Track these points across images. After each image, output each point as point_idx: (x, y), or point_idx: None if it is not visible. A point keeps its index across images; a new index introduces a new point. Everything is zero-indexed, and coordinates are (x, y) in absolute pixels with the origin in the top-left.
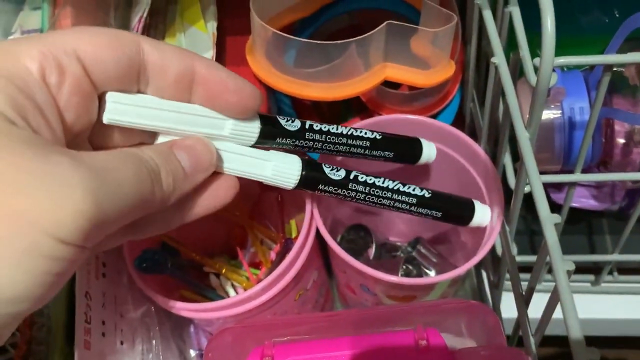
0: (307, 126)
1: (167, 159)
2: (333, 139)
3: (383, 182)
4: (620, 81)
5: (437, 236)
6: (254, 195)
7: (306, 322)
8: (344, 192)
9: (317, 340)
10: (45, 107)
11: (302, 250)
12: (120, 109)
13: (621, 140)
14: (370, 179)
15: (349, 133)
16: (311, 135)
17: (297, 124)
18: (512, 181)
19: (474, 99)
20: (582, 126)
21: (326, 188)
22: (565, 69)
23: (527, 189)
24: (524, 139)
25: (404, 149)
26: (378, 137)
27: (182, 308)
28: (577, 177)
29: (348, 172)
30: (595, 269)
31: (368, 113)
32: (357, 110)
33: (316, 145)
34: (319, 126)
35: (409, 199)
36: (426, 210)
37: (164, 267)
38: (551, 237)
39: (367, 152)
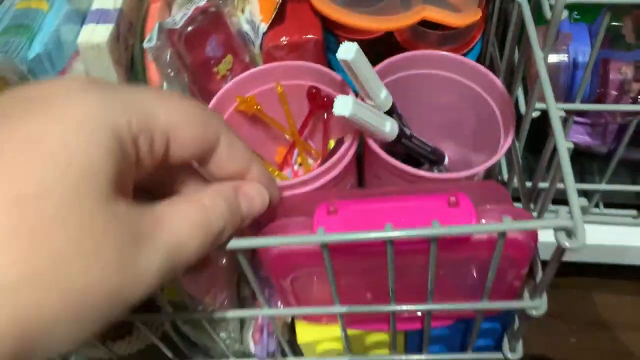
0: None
1: (234, 212)
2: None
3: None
4: (617, 38)
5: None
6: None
7: (360, 194)
8: (406, 142)
9: (371, 198)
10: (131, 166)
11: (351, 148)
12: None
13: (614, 92)
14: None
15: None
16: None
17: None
18: (523, 110)
19: (494, 45)
20: (583, 66)
21: (402, 141)
22: (572, 21)
23: (535, 114)
24: (539, 57)
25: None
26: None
27: None
28: (577, 106)
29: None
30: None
31: None
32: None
33: None
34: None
35: None
36: None
37: None
38: (557, 126)
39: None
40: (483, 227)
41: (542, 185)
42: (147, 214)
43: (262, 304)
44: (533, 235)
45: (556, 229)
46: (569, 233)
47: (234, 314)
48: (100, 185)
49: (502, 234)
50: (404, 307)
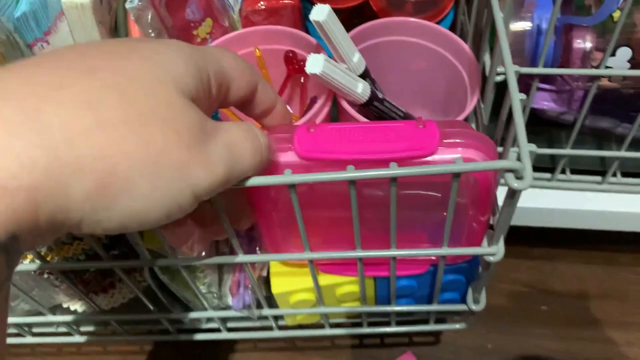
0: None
1: (264, 137)
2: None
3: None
4: (581, 9)
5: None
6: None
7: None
8: (379, 105)
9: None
10: (202, 101)
11: (325, 106)
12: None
13: (577, 61)
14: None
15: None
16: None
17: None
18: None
19: (464, 12)
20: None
21: (374, 103)
22: None
23: (499, 77)
24: (499, 18)
25: None
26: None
27: None
28: (539, 70)
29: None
30: (552, 169)
31: None
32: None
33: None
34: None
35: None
36: None
37: (214, 116)
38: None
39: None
40: (437, 168)
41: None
42: (210, 121)
43: (237, 250)
44: (492, 157)
45: (505, 170)
46: (518, 175)
47: (209, 260)
48: (184, 87)
49: (457, 175)
50: (369, 253)
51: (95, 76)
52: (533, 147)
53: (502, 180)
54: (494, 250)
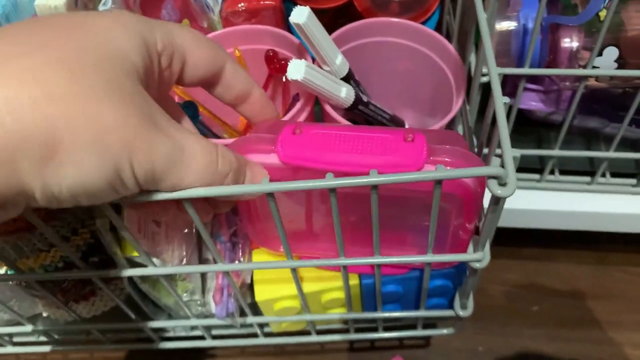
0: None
1: (238, 170)
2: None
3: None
4: (568, 8)
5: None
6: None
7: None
8: (364, 109)
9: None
10: (154, 75)
11: (307, 105)
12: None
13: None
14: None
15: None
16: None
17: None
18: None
19: (449, 12)
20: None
21: (359, 107)
22: None
23: (484, 79)
24: (483, 19)
25: None
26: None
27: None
28: (525, 70)
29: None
30: (540, 170)
31: None
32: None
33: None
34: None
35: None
36: None
37: (195, 119)
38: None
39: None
40: (419, 175)
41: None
42: (165, 117)
43: (218, 260)
44: (480, 179)
45: (488, 177)
46: (501, 181)
47: (188, 269)
48: (131, 68)
49: (438, 182)
50: (353, 261)
51: (44, 52)
52: (517, 152)
53: None
54: (479, 257)
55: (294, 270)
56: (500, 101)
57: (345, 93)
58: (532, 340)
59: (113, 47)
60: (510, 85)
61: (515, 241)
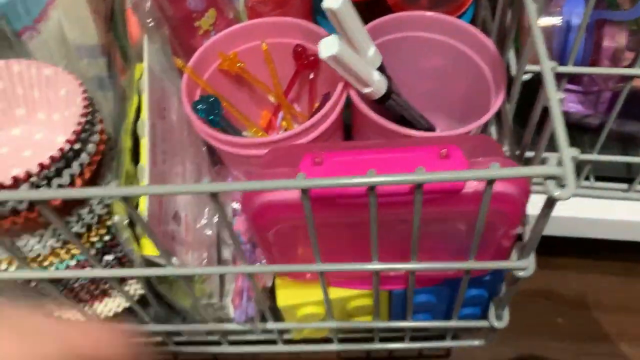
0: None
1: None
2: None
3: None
4: (612, 7)
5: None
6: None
7: (348, 146)
8: (396, 99)
9: (357, 149)
10: None
11: (338, 102)
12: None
13: (607, 61)
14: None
15: None
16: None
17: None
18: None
19: (486, 7)
20: (576, 29)
21: (392, 97)
22: None
23: (525, 77)
24: (532, 10)
25: None
26: None
27: (230, 142)
28: (575, 69)
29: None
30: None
31: None
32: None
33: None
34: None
35: None
36: None
37: (217, 114)
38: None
39: None
40: (469, 174)
41: (529, 154)
42: None
43: (242, 261)
44: (524, 188)
45: (546, 177)
46: (559, 182)
47: (209, 270)
48: None
49: (490, 182)
50: (387, 266)
51: None
52: (576, 151)
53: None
54: (524, 265)
55: (322, 275)
56: (555, 96)
57: (377, 76)
58: (556, 352)
59: None
60: None
61: (538, 249)
